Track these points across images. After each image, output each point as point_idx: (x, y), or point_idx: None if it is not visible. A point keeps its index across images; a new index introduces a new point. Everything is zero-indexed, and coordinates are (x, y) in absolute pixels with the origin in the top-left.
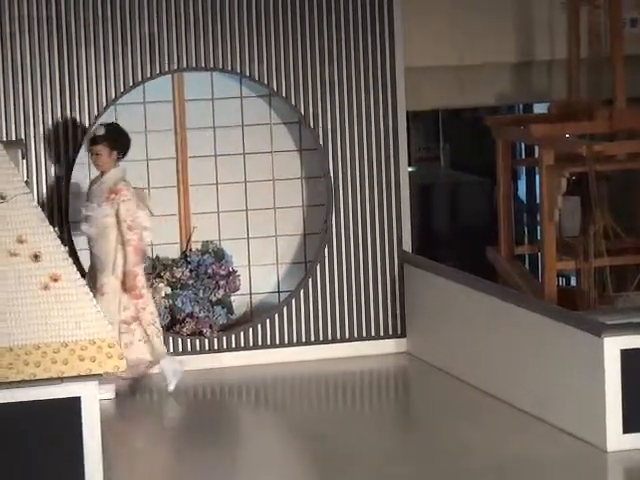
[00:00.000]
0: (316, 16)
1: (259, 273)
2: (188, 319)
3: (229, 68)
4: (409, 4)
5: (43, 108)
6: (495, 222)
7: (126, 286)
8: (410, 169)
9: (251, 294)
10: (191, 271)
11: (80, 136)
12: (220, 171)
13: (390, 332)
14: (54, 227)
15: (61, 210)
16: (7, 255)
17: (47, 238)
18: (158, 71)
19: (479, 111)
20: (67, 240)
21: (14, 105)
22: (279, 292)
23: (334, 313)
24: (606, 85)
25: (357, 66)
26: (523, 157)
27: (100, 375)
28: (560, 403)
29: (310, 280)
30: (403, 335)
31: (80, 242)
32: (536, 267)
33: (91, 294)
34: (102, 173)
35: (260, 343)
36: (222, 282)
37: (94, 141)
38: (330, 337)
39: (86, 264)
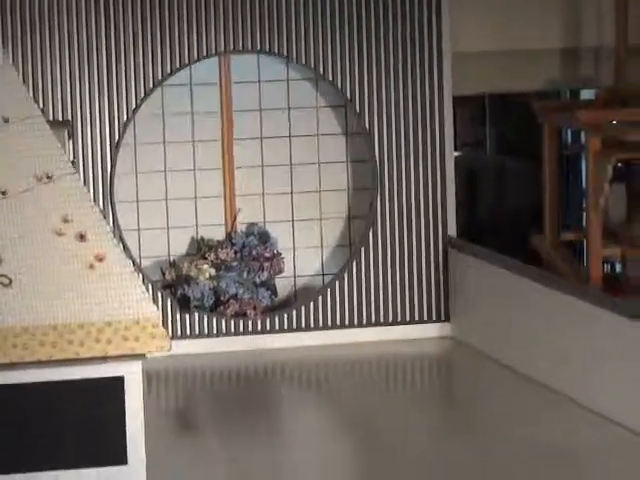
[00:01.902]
0: (363, 0)
1: (303, 256)
2: (232, 301)
3: (276, 51)
4: None
5: (90, 89)
6: (541, 208)
7: None
8: (456, 154)
9: (295, 276)
10: (235, 253)
11: (126, 117)
12: (265, 153)
13: (434, 316)
14: (99, 207)
15: (106, 190)
16: (53, 234)
17: (92, 218)
18: (205, 53)
19: (526, 96)
20: (113, 220)
21: (61, 86)
22: (323, 275)
23: (378, 296)
24: None
25: (404, 50)
26: (570, 143)
27: (143, 355)
28: (604, 388)
29: (354, 263)
30: (447, 319)
31: (125, 222)
32: (581, 254)
33: (136, 274)
34: None
35: (303, 325)
36: (266, 264)
37: None
38: (374, 320)
39: (131, 244)
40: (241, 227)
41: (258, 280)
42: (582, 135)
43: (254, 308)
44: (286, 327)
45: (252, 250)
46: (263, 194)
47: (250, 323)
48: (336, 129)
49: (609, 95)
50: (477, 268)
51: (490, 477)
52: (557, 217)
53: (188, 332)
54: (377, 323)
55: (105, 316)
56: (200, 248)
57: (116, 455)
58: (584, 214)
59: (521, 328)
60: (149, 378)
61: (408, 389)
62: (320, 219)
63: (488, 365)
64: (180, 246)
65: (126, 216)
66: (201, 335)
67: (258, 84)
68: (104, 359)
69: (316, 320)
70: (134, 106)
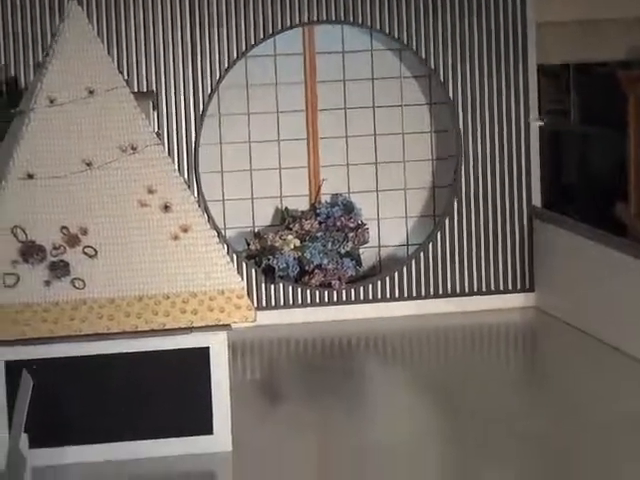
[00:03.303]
0: None
1: (388, 226)
2: (317, 271)
3: (360, 21)
4: None
5: (174, 60)
6: (625, 177)
7: None
8: (540, 123)
9: (380, 247)
10: (320, 223)
11: (211, 88)
12: (349, 124)
13: (518, 286)
14: (184, 178)
15: (191, 161)
16: (138, 205)
17: (177, 189)
18: (289, 24)
19: (610, 66)
20: (197, 191)
21: (145, 57)
22: (408, 245)
23: (462, 267)
24: None
25: (488, 20)
26: None
27: (229, 326)
28: None
29: (439, 233)
30: (532, 289)
31: (209, 193)
32: None
33: (220, 245)
34: None
35: (388, 296)
36: (351, 234)
37: None
38: (458, 290)
39: (216, 215)
40: (325, 197)
41: (343, 250)
42: None
43: (339, 278)
44: (371, 297)
45: (336, 220)
46: (347, 164)
47: (335, 293)
48: (420, 99)
49: None
50: (561, 238)
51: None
52: None
53: (273, 302)
54: (461, 293)
55: (190, 287)
56: (284, 219)
57: (202, 425)
58: None
59: (606, 298)
60: (234, 348)
61: (493, 359)
62: (404, 189)
63: (573, 334)
64: (264, 217)
65: (210, 187)
66: (286, 305)
67: (342, 54)
68: (189, 330)
69: (401, 290)
70: (218, 77)
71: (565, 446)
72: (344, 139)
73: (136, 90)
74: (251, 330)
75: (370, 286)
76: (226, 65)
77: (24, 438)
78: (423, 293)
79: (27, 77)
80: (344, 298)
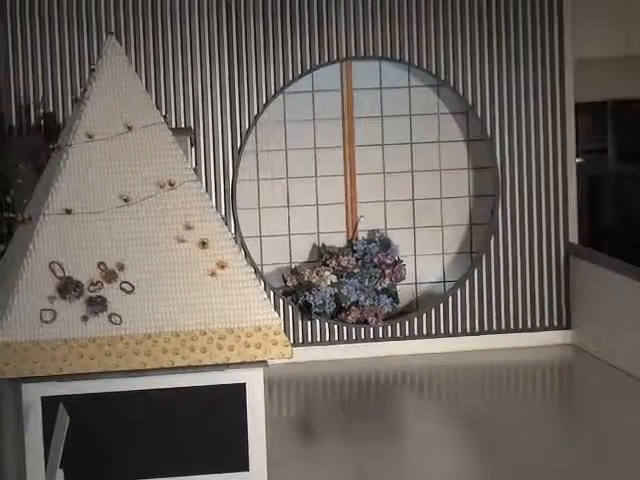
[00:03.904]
0: (485, 6)
1: (425, 262)
2: (353, 307)
3: (397, 57)
4: None
5: (212, 96)
6: None
7: None
8: (577, 160)
9: (417, 283)
10: (357, 259)
11: (248, 124)
12: (387, 160)
13: (555, 323)
14: (221, 214)
15: (228, 197)
16: (175, 241)
17: (214, 225)
18: (327, 59)
19: None
20: (234, 227)
21: (183, 93)
22: (444, 282)
23: (499, 303)
24: None
25: (525, 57)
26: None
27: (265, 362)
28: None
29: (476, 270)
30: (568, 327)
31: (246, 229)
32: None
33: (257, 281)
34: None
35: (425, 332)
36: (388, 271)
37: None
38: (495, 327)
39: (253, 251)
40: (362, 234)
41: (379, 287)
42: None
43: (375, 315)
44: (407, 334)
45: (374, 257)
46: (385, 201)
47: (371, 330)
48: (457, 135)
49: None
50: (598, 275)
51: None
52: None
53: (309, 339)
54: (498, 330)
55: (227, 323)
56: (321, 255)
57: (238, 462)
58: None
59: None
60: (270, 385)
61: (530, 397)
62: (441, 226)
63: (611, 373)
64: (301, 253)
65: (248, 223)
66: (322, 342)
67: (379, 90)
68: (226, 366)
69: (437, 327)
70: (256, 113)
71: None
72: (381, 175)
73: (174, 126)
74: (287, 367)
75: (407, 323)
76: (264, 101)
77: (60, 475)
78: (460, 330)
79: (65, 113)
80: (381, 335)
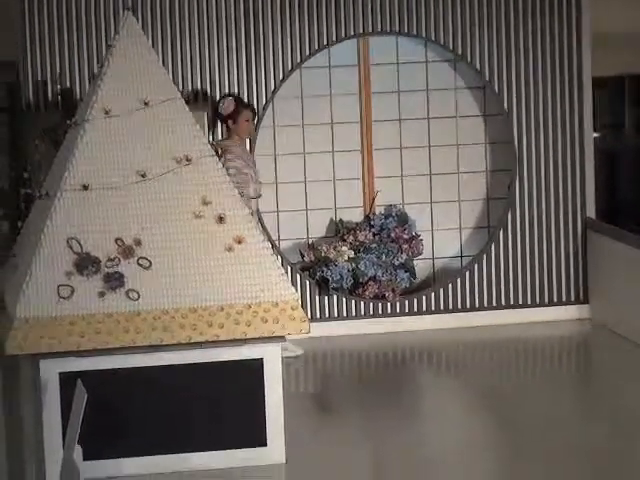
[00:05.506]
0: None
1: (442, 238)
2: (371, 282)
3: (414, 32)
4: None
5: (229, 71)
6: None
7: None
8: (594, 135)
9: (434, 258)
10: (374, 235)
11: (265, 99)
12: (404, 135)
13: (572, 298)
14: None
15: None
16: (192, 217)
17: (231, 200)
18: (344, 35)
19: None
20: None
21: (200, 69)
22: (461, 257)
23: (516, 278)
24: None
25: (543, 32)
26: None
27: (282, 337)
28: None
29: (493, 245)
30: (586, 301)
31: (264, 204)
32: None
33: (274, 256)
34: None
35: (442, 307)
36: (405, 246)
37: (253, 109)
38: (512, 302)
39: (270, 226)
40: (379, 209)
41: (397, 262)
42: None
43: (392, 290)
44: (424, 309)
45: (391, 232)
46: (402, 176)
47: (388, 305)
48: (475, 110)
49: None
50: (616, 249)
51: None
52: None
53: (327, 314)
54: (515, 305)
55: (244, 298)
56: (339, 230)
57: (256, 437)
58: None
59: None
60: (288, 360)
61: (547, 371)
62: (459, 201)
63: (628, 347)
64: (319, 228)
65: (265, 198)
66: (339, 317)
67: (396, 65)
68: (244, 341)
69: (455, 302)
70: (273, 88)
71: (619, 459)
72: (398, 150)
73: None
74: (305, 342)
75: (424, 298)
76: (281, 76)
77: (78, 450)
78: (477, 305)
79: (82, 88)
80: (398, 310)
